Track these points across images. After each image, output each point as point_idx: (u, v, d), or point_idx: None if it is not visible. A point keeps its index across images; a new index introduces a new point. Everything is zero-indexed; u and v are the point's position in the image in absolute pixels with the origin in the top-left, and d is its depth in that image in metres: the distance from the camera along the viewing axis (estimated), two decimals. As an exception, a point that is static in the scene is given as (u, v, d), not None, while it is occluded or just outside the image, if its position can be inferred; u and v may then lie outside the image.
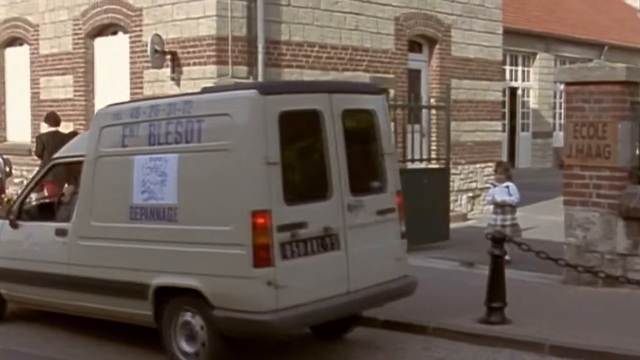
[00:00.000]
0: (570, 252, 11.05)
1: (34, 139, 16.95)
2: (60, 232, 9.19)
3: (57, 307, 9.52)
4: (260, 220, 7.46)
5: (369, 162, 8.91)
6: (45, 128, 16.43)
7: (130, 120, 8.58)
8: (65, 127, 16.36)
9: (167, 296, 8.12)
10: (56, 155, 10.28)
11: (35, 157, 16.05)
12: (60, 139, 14.62)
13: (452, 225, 15.32)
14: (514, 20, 29.12)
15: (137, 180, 8.36)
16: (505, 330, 9.07)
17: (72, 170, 11.23)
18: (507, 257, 10.33)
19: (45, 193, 13.43)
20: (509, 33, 25.08)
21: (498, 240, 9.54)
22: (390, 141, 9.03)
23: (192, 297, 7.89)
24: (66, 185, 12.77)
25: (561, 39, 32.42)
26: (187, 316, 8.02)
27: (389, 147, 8.96)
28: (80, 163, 9.21)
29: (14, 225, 9.85)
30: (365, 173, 8.79)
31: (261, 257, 7.45)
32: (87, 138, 9.32)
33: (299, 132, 8.24)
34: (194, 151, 7.98)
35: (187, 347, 8.05)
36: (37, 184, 10.61)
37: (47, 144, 15.34)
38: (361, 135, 8.85)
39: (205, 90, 8.75)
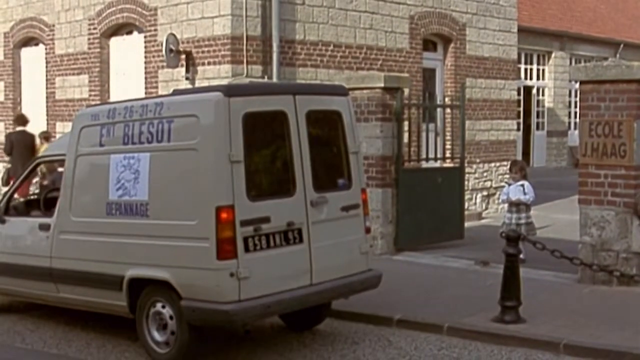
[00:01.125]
0: (585, 251, 11.02)
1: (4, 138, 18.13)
2: (44, 227, 9.55)
3: (42, 299, 9.88)
4: (224, 215, 7.82)
5: (334, 161, 9.24)
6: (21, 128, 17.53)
7: (107, 121, 8.95)
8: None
9: (140, 287, 8.51)
10: (41, 154, 10.71)
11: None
12: (28, 138, 16.61)
13: (467, 224, 15.30)
14: (529, 18, 29.07)
15: (112, 178, 8.77)
16: (520, 329, 9.05)
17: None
18: (521, 256, 10.33)
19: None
20: (524, 31, 25.04)
21: (513, 238, 9.53)
22: (356, 140, 9.29)
23: (162, 288, 8.29)
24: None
25: (576, 37, 32.31)
26: (158, 306, 8.41)
27: (354, 147, 9.22)
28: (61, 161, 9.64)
29: (1, 221, 10.19)
30: (329, 171, 9.15)
31: (225, 250, 7.82)
32: (68, 138, 9.62)
33: (263, 132, 8.60)
34: (164, 150, 8.37)
35: (158, 336, 8.45)
36: (22, 182, 10.99)
37: (15, 143, 16.73)
38: (326, 135, 9.26)
39: (175, 93, 9.05)
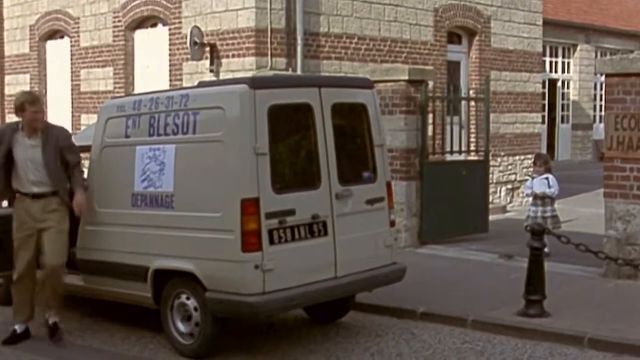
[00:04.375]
0: (610, 245, 10.97)
1: None
2: None
3: (65, 289, 9.81)
4: (249, 208, 7.83)
5: (359, 154, 9.21)
6: None
7: (133, 112, 8.98)
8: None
9: (165, 279, 8.54)
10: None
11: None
12: None
13: (491, 217, 15.25)
14: (554, 11, 28.91)
15: (138, 169, 8.78)
16: (544, 323, 9.02)
17: None
18: (546, 250, 10.29)
19: None
20: (549, 24, 24.90)
21: (537, 232, 9.49)
22: (381, 133, 9.28)
23: (187, 280, 8.30)
24: None
25: (602, 30, 32.10)
26: (183, 298, 8.43)
27: (379, 139, 9.20)
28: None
29: None
30: (354, 164, 9.11)
31: (249, 242, 7.82)
32: (94, 129, 9.66)
33: (288, 125, 8.60)
34: (190, 142, 8.38)
35: (182, 327, 8.48)
36: None
37: None
38: (351, 127, 9.22)
39: (201, 85, 9.07)
